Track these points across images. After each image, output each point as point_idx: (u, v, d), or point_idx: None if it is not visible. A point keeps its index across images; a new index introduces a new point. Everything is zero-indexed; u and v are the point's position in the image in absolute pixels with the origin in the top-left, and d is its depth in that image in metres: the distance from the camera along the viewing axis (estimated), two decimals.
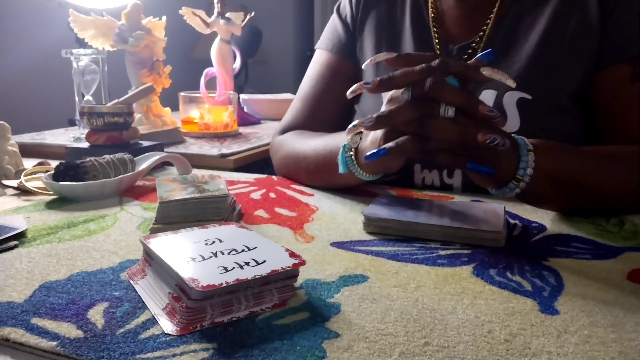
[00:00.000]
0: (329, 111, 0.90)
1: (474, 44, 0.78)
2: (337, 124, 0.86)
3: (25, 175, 0.76)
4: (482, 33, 0.78)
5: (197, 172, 0.82)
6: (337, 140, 0.72)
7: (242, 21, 1.33)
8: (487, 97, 0.74)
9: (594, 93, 0.75)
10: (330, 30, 0.93)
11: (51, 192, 0.72)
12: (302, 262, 0.41)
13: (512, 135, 0.58)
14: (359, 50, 0.89)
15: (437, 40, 0.81)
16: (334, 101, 0.89)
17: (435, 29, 0.81)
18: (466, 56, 0.78)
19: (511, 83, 0.55)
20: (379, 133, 0.59)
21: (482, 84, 0.74)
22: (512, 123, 0.72)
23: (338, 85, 0.87)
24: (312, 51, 1.00)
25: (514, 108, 0.72)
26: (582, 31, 0.74)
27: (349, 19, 0.91)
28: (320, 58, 0.93)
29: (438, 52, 0.80)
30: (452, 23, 0.81)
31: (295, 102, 0.95)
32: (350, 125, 0.58)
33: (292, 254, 0.42)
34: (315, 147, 0.77)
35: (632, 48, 0.73)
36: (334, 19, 0.94)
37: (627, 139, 0.73)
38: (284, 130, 0.93)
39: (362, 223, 0.59)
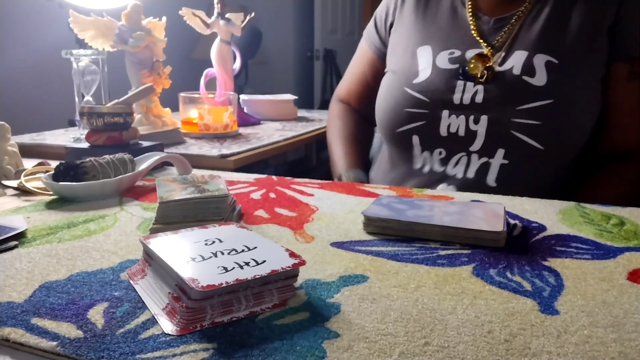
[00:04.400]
0: (365, 88, 1.09)
1: (515, 17, 0.87)
2: (371, 95, 1.02)
3: (25, 176, 0.76)
4: (526, 5, 0.87)
5: (197, 173, 0.82)
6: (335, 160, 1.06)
7: (242, 22, 1.33)
8: (519, 56, 0.83)
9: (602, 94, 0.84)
10: (369, 27, 1.08)
11: (51, 192, 0.72)
12: (302, 262, 0.41)
13: None
14: (393, 40, 0.99)
15: (470, 12, 0.91)
16: (369, 81, 1.08)
17: (470, 5, 0.91)
18: (503, 31, 0.87)
19: None
20: None
21: (515, 46, 0.85)
22: (540, 78, 0.81)
23: (370, 72, 1.07)
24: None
25: (542, 68, 0.81)
26: (605, 25, 0.82)
27: (379, 22, 1.04)
28: (361, 45, 1.11)
29: (473, 23, 0.90)
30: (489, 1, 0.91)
31: (347, 74, 1.15)
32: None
33: (292, 254, 0.42)
34: (330, 144, 1.10)
35: (632, 49, 0.81)
36: (372, 20, 1.07)
37: (618, 139, 0.85)
38: (339, 99, 1.17)
39: (362, 223, 0.59)
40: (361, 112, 1.12)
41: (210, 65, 1.33)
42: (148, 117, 1.16)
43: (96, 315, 0.39)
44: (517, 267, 0.49)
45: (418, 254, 0.52)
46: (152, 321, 0.38)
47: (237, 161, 1.03)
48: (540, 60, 0.82)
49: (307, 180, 0.84)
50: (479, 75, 0.83)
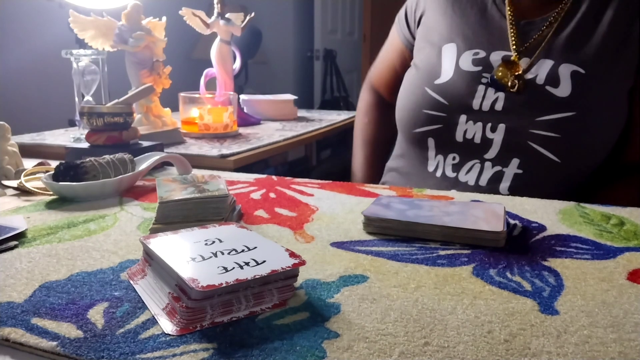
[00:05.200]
0: (394, 76, 1.07)
1: (550, 19, 0.84)
2: (399, 84, 1.00)
3: (25, 176, 0.76)
4: (557, 11, 0.83)
5: (197, 173, 0.82)
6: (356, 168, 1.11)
7: (242, 22, 1.33)
8: (544, 65, 0.81)
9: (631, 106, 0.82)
10: (401, 12, 1.06)
11: (51, 192, 0.72)
12: (302, 262, 0.41)
13: None
14: (421, 32, 0.98)
15: (510, 13, 0.87)
16: (394, 67, 1.07)
17: (509, 6, 0.88)
18: (536, 35, 0.84)
19: None
20: None
21: (542, 54, 0.82)
22: (564, 89, 0.78)
23: (399, 62, 1.05)
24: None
25: (567, 78, 0.79)
26: (636, 35, 0.80)
27: (410, 15, 1.03)
28: (392, 31, 1.09)
29: (511, 25, 0.86)
30: (525, 3, 0.88)
31: (379, 58, 1.13)
32: None
33: (292, 254, 0.42)
34: (355, 144, 1.13)
35: None
36: (403, 9, 1.06)
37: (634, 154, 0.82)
38: (370, 85, 1.15)
39: (362, 223, 0.59)
40: (389, 103, 1.07)
41: (210, 65, 1.33)
42: (148, 117, 1.16)
43: (96, 315, 0.39)
44: (517, 267, 0.49)
45: (418, 254, 0.52)
46: (152, 321, 0.38)
47: (237, 161, 1.03)
48: (566, 70, 0.79)
49: (307, 180, 0.84)
50: (509, 84, 0.80)
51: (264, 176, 0.86)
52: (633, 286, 0.45)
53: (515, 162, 0.80)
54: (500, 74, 0.81)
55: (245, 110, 1.57)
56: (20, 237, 0.55)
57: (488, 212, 0.59)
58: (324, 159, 1.93)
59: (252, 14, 1.33)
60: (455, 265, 0.49)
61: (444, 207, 0.61)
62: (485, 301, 0.42)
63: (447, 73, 0.86)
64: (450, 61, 0.87)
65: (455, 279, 0.46)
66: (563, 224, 0.61)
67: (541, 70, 0.80)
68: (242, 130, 1.37)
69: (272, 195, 0.74)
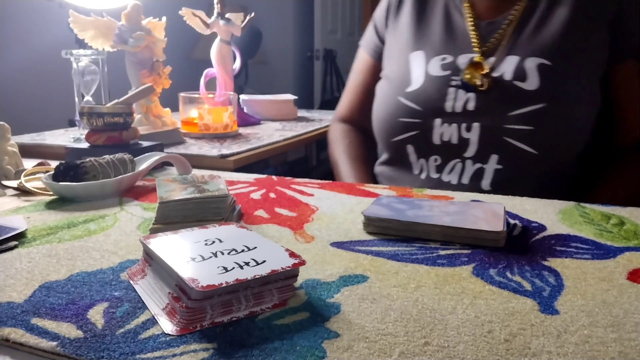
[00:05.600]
0: (369, 98, 1.03)
1: (507, 21, 0.87)
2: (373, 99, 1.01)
3: (25, 176, 0.76)
4: (516, 8, 0.86)
5: (197, 173, 0.82)
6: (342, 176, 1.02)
7: (242, 22, 1.33)
8: (511, 62, 0.83)
9: (611, 87, 0.84)
10: (368, 34, 1.07)
11: (51, 193, 0.72)
12: (302, 262, 0.41)
13: None
14: (392, 41, 0.99)
15: (470, 16, 0.90)
16: (367, 89, 1.05)
17: (469, 10, 0.91)
18: (497, 34, 0.86)
19: None
20: None
21: (505, 51, 0.84)
22: (532, 83, 0.80)
23: (372, 80, 1.03)
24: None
25: (534, 71, 0.81)
26: (603, 22, 0.82)
27: (380, 26, 1.03)
28: (360, 56, 1.09)
29: (472, 27, 0.89)
30: (483, 4, 0.90)
31: (346, 90, 1.13)
32: None
33: (292, 254, 0.42)
34: (336, 164, 1.05)
35: (636, 42, 0.82)
36: (370, 24, 1.07)
37: (631, 136, 0.84)
38: (340, 117, 1.13)
39: (362, 223, 0.59)
40: (366, 128, 1.06)
41: (210, 65, 1.33)
42: (148, 117, 1.16)
43: (96, 315, 0.39)
44: (517, 267, 0.49)
45: (418, 254, 0.52)
46: (152, 321, 0.38)
47: (237, 161, 1.03)
48: (531, 64, 0.81)
49: (307, 180, 0.84)
50: (479, 84, 0.83)
51: (264, 176, 0.86)
52: (633, 286, 0.45)
53: (494, 158, 0.82)
54: (468, 75, 0.84)
55: (245, 110, 1.57)
56: (20, 237, 0.55)
57: (488, 212, 0.59)
58: (324, 159, 1.93)
59: (252, 14, 1.33)
60: (455, 265, 0.49)
61: (444, 207, 0.61)
62: (486, 301, 0.42)
63: (417, 80, 0.88)
64: (420, 68, 0.89)
65: (455, 279, 0.46)
66: (563, 223, 0.61)
67: (508, 66, 0.83)
68: (242, 130, 1.37)
69: (272, 195, 0.74)
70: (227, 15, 1.31)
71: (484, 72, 0.83)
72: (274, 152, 1.18)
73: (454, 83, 0.85)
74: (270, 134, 1.31)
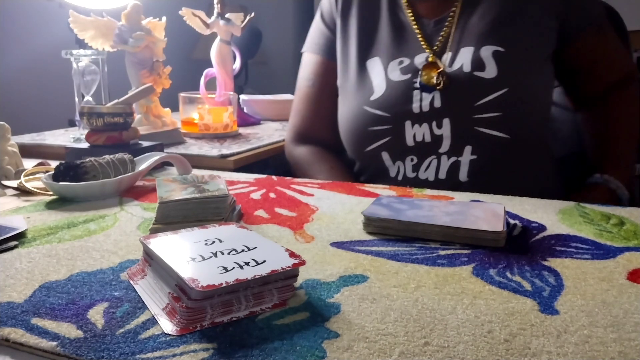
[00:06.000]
0: (329, 105, 0.99)
1: (449, 17, 0.89)
2: (336, 117, 0.98)
3: (25, 176, 0.76)
4: (454, 8, 0.89)
5: (197, 173, 0.82)
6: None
7: (242, 22, 1.33)
8: (466, 53, 0.85)
9: (573, 58, 0.91)
10: (315, 34, 1.03)
11: (51, 193, 0.72)
12: (302, 262, 0.41)
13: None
14: (341, 44, 0.97)
15: (412, 18, 0.91)
16: (334, 96, 0.99)
17: (410, 11, 0.92)
18: (443, 31, 0.89)
19: None
20: None
21: (458, 44, 0.86)
22: (491, 71, 0.83)
23: (331, 82, 0.99)
24: None
25: (491, 59, 0.84)
26: (546, 8, 0.86)
27: (328, 20, 1.01)
28: (310, 60, 1.03)
29: (417, 28, 0.91)
30: (426, 4, 0.92)
31: (297, 103, 1.04)
32: None
33: (292, 254, 0.42)
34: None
35: (592, 13, 0.89)
36: (317, 22, 1.03)
37: (609, 78, 0.93)
38: (297, 136, 1.05)
39: (362, 223, 0.59)
40: (329, 142, 1.00)
41: (210, 65, 1.33)
42: (148, 117, 1.16)
43: (96, 315, 0.39)
44: (517, 267, 0.49)
45: (418, 254, 0.52)
46: (152, 321, 0.38)
47: (237, 161, 1.03)
48: (487, 52, 0.84)
49: (307, 180, 0.84)
50: (435, 83, 0.85)
51: (264, 176, 0.86)
52: (633, 286, 0.45)
53: (468, 149, 0.84)
54: (425, 77, 0.86)
55: (245, 110, 1.57)
56: (20, 237, 0.55)
57: (488, 212, 0.59)
58: None
59: (252, 14, 1.33)
60: (455, 265, 0.49)
61: (444, 207, 0.61)
62: (485, 301, 0.42)
63: (379, 87, 0.89)
64: (380, 75, 0.90)
65: (455, 279, 0.46)
66: (563, 223, 0.61)
67: (464, 58, 0.85)
68: (242, 130, 1.37)
69: (272, 195, 0.74)
70: (227, 15, 1.31)
71: (440, 70, 0.85)
72: (274, 152, 1.18)
73: (416, 85, 0.86)
74: (270, 134, 1.31)
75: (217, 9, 1.29)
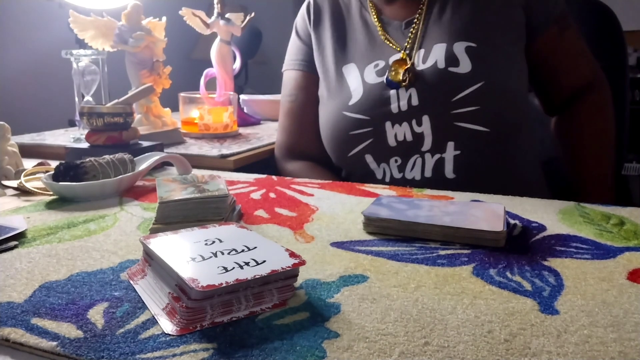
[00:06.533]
0: (313, 118, 1.00)
1: (416, 18, 0.91)
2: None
3: (25, 176, 0.76)
4: (422, 7, 0.91)
5: (197, 173, 0.82)
6: None
7: (242, 22, 1.33)
8: (440, 50, 0.86)
9: (538, 55, 0.91)
10: (292, 50, 1.06)
11: (51, 193, 0.72)
12: (302, 262, 0.41)
13: None
14: (318, 54, 0.99)
15: (377, 21, 0.94)
16: (314, 108, 1.00)
17: (375, 14, 0.95)
18: (412, 28, 0.90)
19: None
20: None
21: (432, 41, 0.87)
22: (465, 66, 0.84)
23: (313, 95, 1.00)
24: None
25: (464, 54, 0.84)
26: (514, 3, 0.88)
27: (303, 35, 1.03)
28: (291, 76, 1.05)
29: (379, 30, 0.93)
30: (393, 7, 0.94)
31: (283, 120, 1.05)
32: None
33: (292, 254, 0.42)
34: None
35: (554, 10, 0.89)
36: (293, 39, 1.06)
37: (574, 82, 0.93)
38: (286, 152, 1.05)
39: (362, 223, 0.59)
40: (318, 157, 1.00)
41: (210, 65, 1.33)
42: (148, 117, 1.16)
43: (96, 315, 0.39)
44: (517, 267, 0.49)
45: (418, 254, 0.52)
46: (152, 321, 0.38)
47: (237, 161, 1.03)
48: (460, 48, 0.85)
49: (307, 180, 0.84)
50: (401, 80, 0.85)
51: (264, 176, 0.86)
52: (633, 286, 0.45)
53: (450, 145, 0.84)
54: (393, 73, 0.87)
55: (245, 110, 1.57)
56: (20, 237, 0.55)
57: (488, 212, 0.59)
58: None
59: (252, 14, 1.33)
60: (455, 265, 0.49)
61: (444, 207, 0.61)
62: (485, 301, 0.42)
63: (357, 92, 0.89)
64: (356, 80, 0.91)
65: (455, 279, 0.46)
66: (563, 223, 0.61)
67: (438, 55, 0.85)
68: (242, 130, 1.37)
69: (272, 195, 0.74)
70: (227, 15, 1.31)
71: (407, 67, 0.86)
72: (274, 152, 1.18)
73: (387, 86, 0.87)
74: (270, 134, 1.31)
75: (217, 9, 1.29)
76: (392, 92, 0.86)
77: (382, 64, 0.89)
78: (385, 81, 0.87)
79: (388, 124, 0.87)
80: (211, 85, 1.32)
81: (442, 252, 0.52)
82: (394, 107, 0.86)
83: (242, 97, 1.63)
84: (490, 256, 0.51)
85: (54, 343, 0.35)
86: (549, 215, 0.65)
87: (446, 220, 0.56)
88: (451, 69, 0.84)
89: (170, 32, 1.21)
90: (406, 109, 0.85)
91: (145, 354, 0.34)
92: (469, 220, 0.56)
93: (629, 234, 0.58)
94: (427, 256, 0.51)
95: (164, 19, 1.17)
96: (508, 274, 0.47)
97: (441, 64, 0.84)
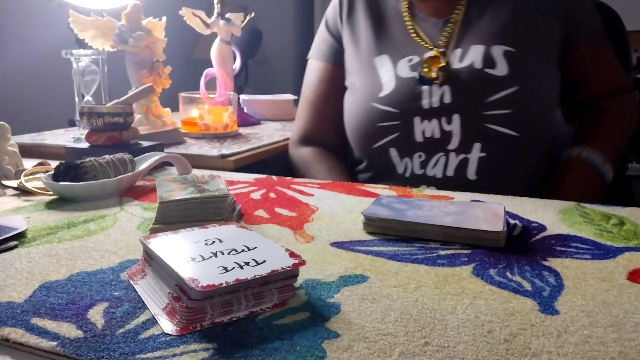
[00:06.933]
0: (335, 110, 1.00)
1: (454, 16, 0.90)
2: (341, 122, 0.99)
3: (25, 176, 0.76)
4: (459, 7, 0.91)
5: (197, 173, 0.82)
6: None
7: (242, 22, 1.33)
8: (477, 51, 0.86)
9: (571, 68, 0.91)
10: (321, 41, 1.04)
11: (51, 192, 0.72)
12: (302, 262, 0.41)
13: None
14: (350, 45, 0.98)
15: (409, 17, 0.93)
16: (337, 101, 1.00)
17: (407, 8, 0.95)
18: (449, 27, 0.90)
19: None
20: None
21: (470, 42, 0.88)
22: (502, 69, 0.84)
23: (337, 87, 1.00)
24: None
25: (502, 58, 0.85)
26: (551, 13, 0.89)
27: (332, 28, 1.02)
28: (315, 66, 1.05)
29: (412, 25, 0.93)
30: (429, 2, 0.94)
31: (303, 108, 1.06)
32: None
33: (292, 254, 0.42)
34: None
35: (593, 26, 0.91)
36: (322, 30, 1.05)
37: (607, 90, 0.93)
38: (300, 139, 1.07)
39: (362, 223, 0.59)
40: (331, 145, 1.02)
41: (210, 65, 1.33)
42: (148, 117, 1.16)
43: (96, 315, 0.39)
44: (517, 267, 0.49)
45: (418, 254, 0.52)
46: (152, 321, 0.38)
47: (237, 161, 1.03)
48: (498, 51, 0.85)
49: (307, 180, 0.84)
50: (433, 77, 0.85)
51: (264, 176, 0.86)
52: (633, 286, 0.45)
53: (477, 146, 0.84)
54: (426, 70, 0.87)
55: (245, 110, 1.57)
56: (20, 237, 0.55)
57: (488, 212, 0.59)
58: None
59: (252, 14, 1.33)
60: (455, 265, 0.49)
61: (444, 207, 0.61)
62: (486, 301, 0.42)
63: (388, 84, 0.89)
64: (388, 73, 0.90)
65: (455, 279, 0.46)
66: (563, 223, 0.61)
67: (475, 56, 0.86)
68: (242, 130, 1.37)
69: (272, 195, 0.74)
70: (227, 15, 1.31)
71: (441, 65, 0.86)
72: (274, 152, 1.18)
73: (419, 82, 0.87)
74: (270, 134, 1.31)
75: (217, 9, 1.29)
76: (425, 88, 0.86)
77: (416, 59, 0.89)
78: (417, 76, 0.87)
79: (417, 119, 0.86)
80: (211, 85, 1.32)
81: (442, 252, 0.52)
82: (425, 103, 0.86)
83: (242, 97, 1.63)
84: (490, 256, 0.51)
85: (54, 343, 0.35)
86: (549, 215, 0.65)
87: (446, 221, 0.56)
88: (487, 70, 0.84)
89: (170, 32, 1.21)
90: (437, 106, 0.85)
91: (145, 354, 0.34)
92: (469, 220, 0.56)
93: (629, 234, 0.58)
94: (427, 256, 0.51)
95: (164, 19, 1.17)
96: (508, 274, 0.47)
97: (478, 65, 0.84)
